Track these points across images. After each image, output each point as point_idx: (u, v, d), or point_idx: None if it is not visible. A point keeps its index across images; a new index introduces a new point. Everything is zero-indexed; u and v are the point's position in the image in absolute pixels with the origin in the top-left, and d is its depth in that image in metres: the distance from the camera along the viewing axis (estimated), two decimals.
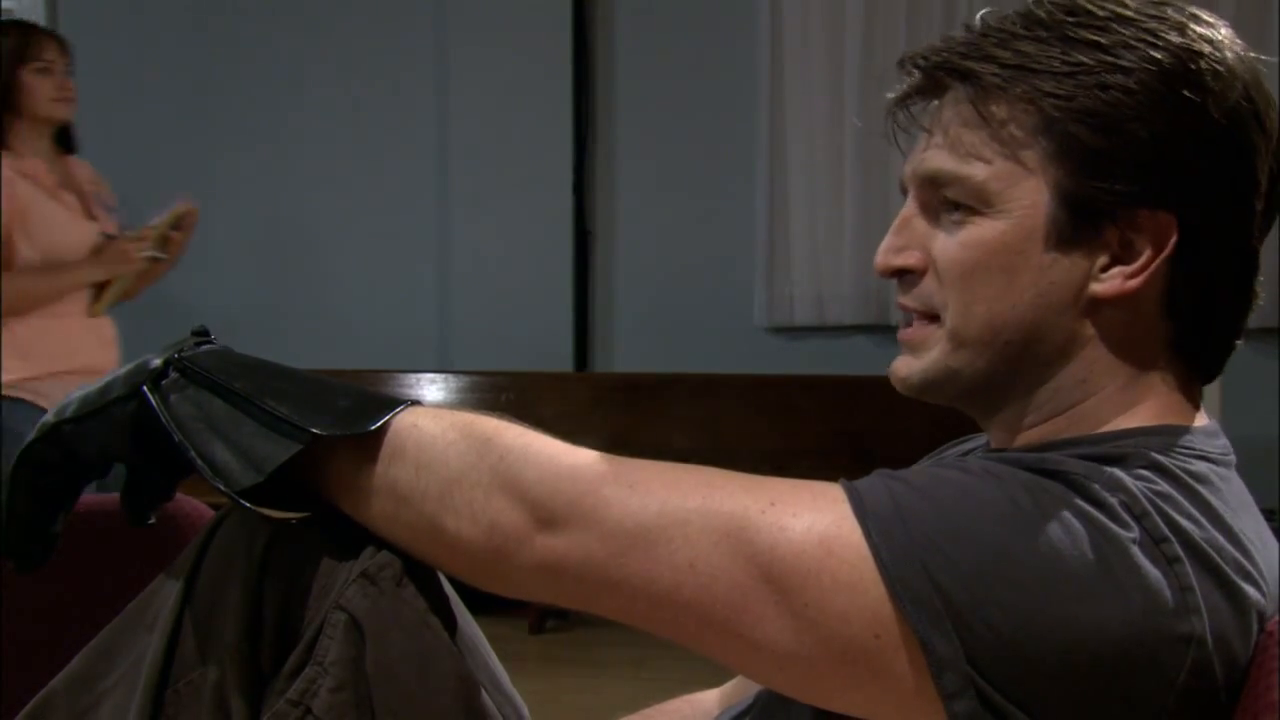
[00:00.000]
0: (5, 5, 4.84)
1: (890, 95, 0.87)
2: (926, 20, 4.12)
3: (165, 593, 0.89)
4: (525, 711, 0.99)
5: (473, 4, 4.55)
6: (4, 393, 2.67)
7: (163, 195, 4.73)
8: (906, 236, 0.86)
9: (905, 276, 0.86)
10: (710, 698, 1.14)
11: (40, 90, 2.78)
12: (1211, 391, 3.87)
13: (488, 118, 4.53)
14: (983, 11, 0.85)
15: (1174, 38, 0.79)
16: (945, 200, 0.83)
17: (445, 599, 0.89)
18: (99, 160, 4.81)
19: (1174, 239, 0.80)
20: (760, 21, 4.26)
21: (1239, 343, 0.86)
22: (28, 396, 2.71)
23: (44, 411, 2.76)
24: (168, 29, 4.75)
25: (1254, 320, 3.29)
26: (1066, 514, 0.73)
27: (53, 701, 0.90)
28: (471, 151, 4.55)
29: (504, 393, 4.31)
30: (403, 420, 0.85)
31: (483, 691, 0.88)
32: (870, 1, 4.16)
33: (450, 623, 0.87)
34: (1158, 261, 0.80)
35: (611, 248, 4.51)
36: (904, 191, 0.88)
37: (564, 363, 4.49)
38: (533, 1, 4.49)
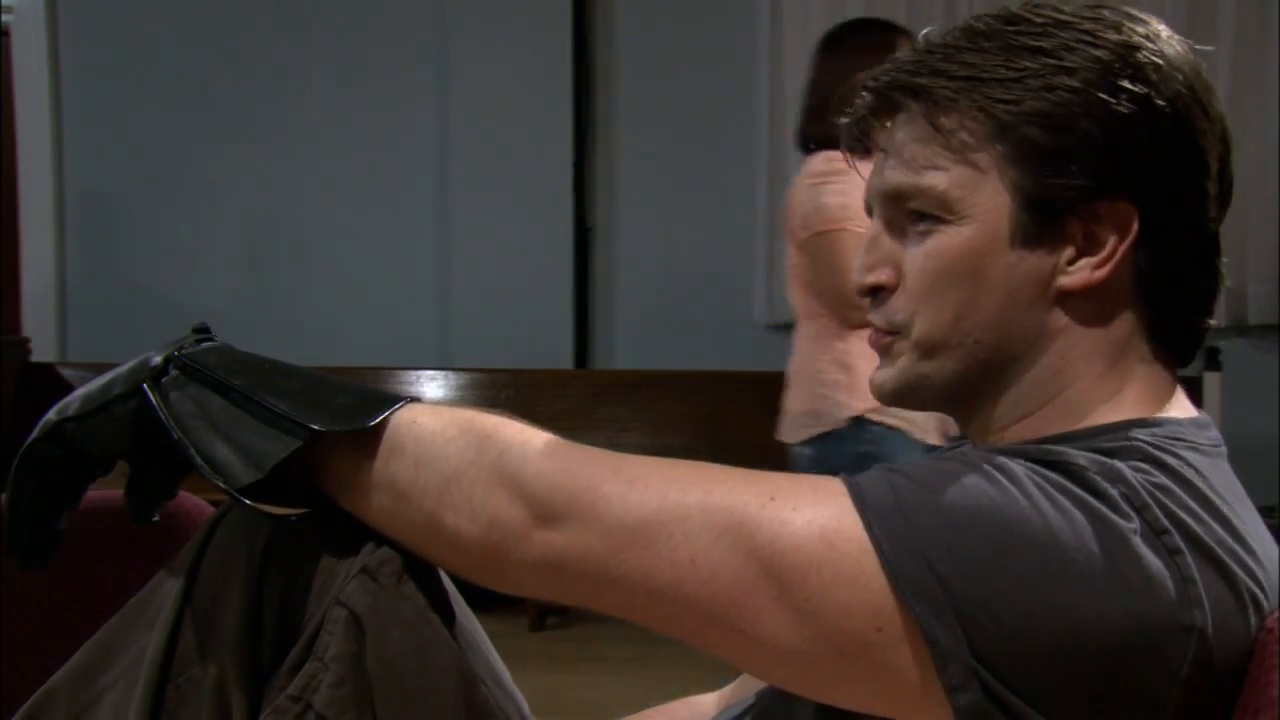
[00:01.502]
0: (5, 3, 4.85)
1: (843, 120, 0.89)
2: (927, 20, 4.10)
3: (166, 589, 0.89)
4: (525, 708, 0.99)
5: (473, 3, 4.55)
6: (877, 419, 2.37)
7: (162, 193, 4.76)
8: (876, 255, 0.87)
9: (878, 294, 0.87)
10: (708, 701, 1.14)
11: None
12: (1212, 388, 3.85)
13: (488, 116, 4.54)
14: (925, 30, 0.88)
15: (1112, 35, 0.82)
16: (910, 213, 0.85)
17: (445, 595, 0.89)
18: (99, 159, 4.82)
19: (1135, 226, 0.82)
20: (760, 21, 4.26)
21: (1211, 322, 0.88)
22: (902, 425, 2.40)
23: (923, 444, 2.39)
24: (166, 28, 4.75)
25: (1254, 316, 3.31)
26: (1068, 504, 0.73)
27: (54, 697, 0.90)
28: (472, 149, 4.55)
29: (504, 390, 4.31)
30: (402, 417, 0.85)
31: (483, 687, 0.89)
32: (870, 2, 4.16)
33: (450, 618, 0.88)
34: (1122, 249, 0.82)
35: (611, 245, 4.51)
36: (869, 211, 0.90)
37: (564, 360, 4.49)
38: (533, 1, 4.49)
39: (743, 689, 1.08)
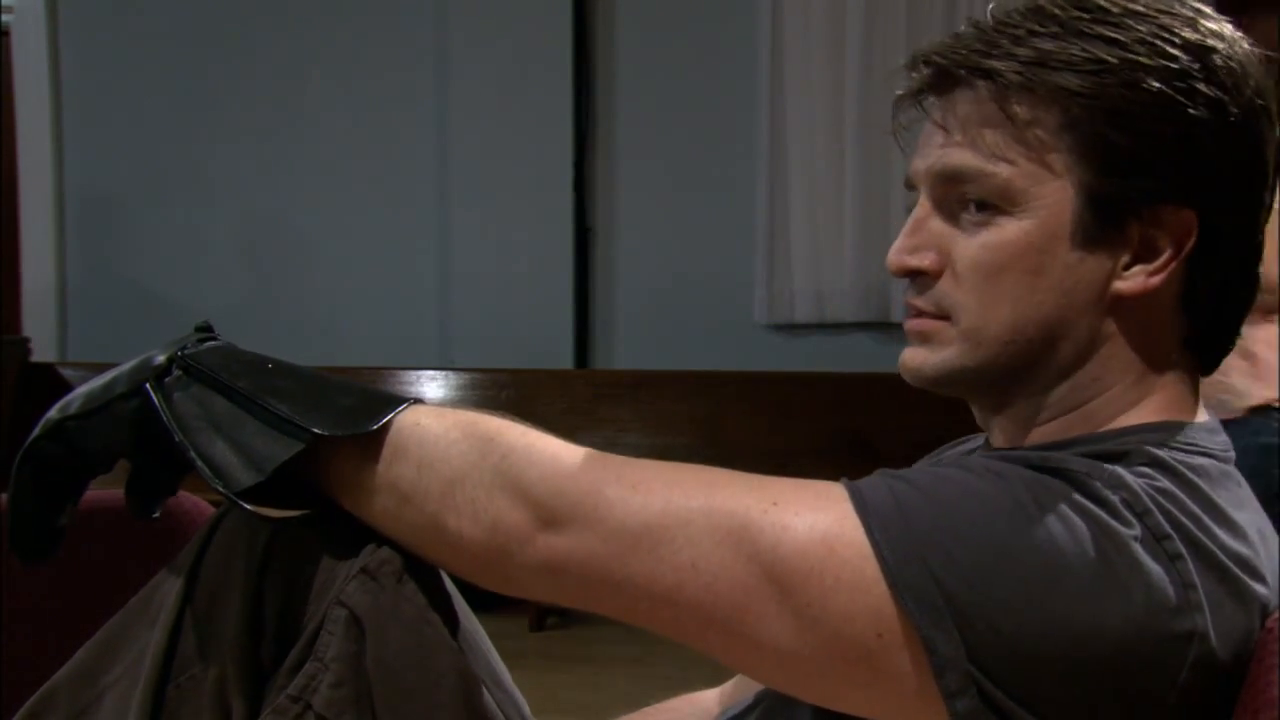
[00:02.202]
0: (5, 3, 4.85)
1: (900, 91, 0.86)
2: (926, 20, 4.12)
3: (167, 588, 0.89)
4: (526, 708, 0.99)
5: (473, 3, 4.55)
6: None
7: (162, 193, 4.76)
8: (921, 236, 0.84)
9: (919, 278, 0.85)
10: (710, 697, 1.14)
11: None
12: None
13: (488, 116, 4.53)
14: (991, 5, 0.85)
15: (1189, 34, 0.80)
16: (963, 198, 0.82)
17: (446, 595, 0.89)
18: (99, 159, 4.82)
19: (1194, 236, 0.80)
20: (760, 21, 4.26)
21: (1242, 334, 0.86)
22: None
23: None
24: (166, 27, 4.75)
25: None
26: (1068, 511, 0.73)
27: (55, 696, 0.90)
28: (472, 149, 4.55)
29: (504, 390, 4.31)
30: (405, 419, 0.85)
31: (483, 688, 0.89)
32: (870, 1, 4.16)
33: (451, 619, 0.88)
34: (1179, 259, 0.80)
35: (612, 245, 4.51)
36: (910, 187, 0.86)
37: (564, 360, 4.49)
38: (533, 1, 4.49)
39: (744, 685, 1.08)
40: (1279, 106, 0.83)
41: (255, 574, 0.86)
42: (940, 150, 0.83)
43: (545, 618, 4.00)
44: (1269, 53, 0.84)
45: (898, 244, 0.85)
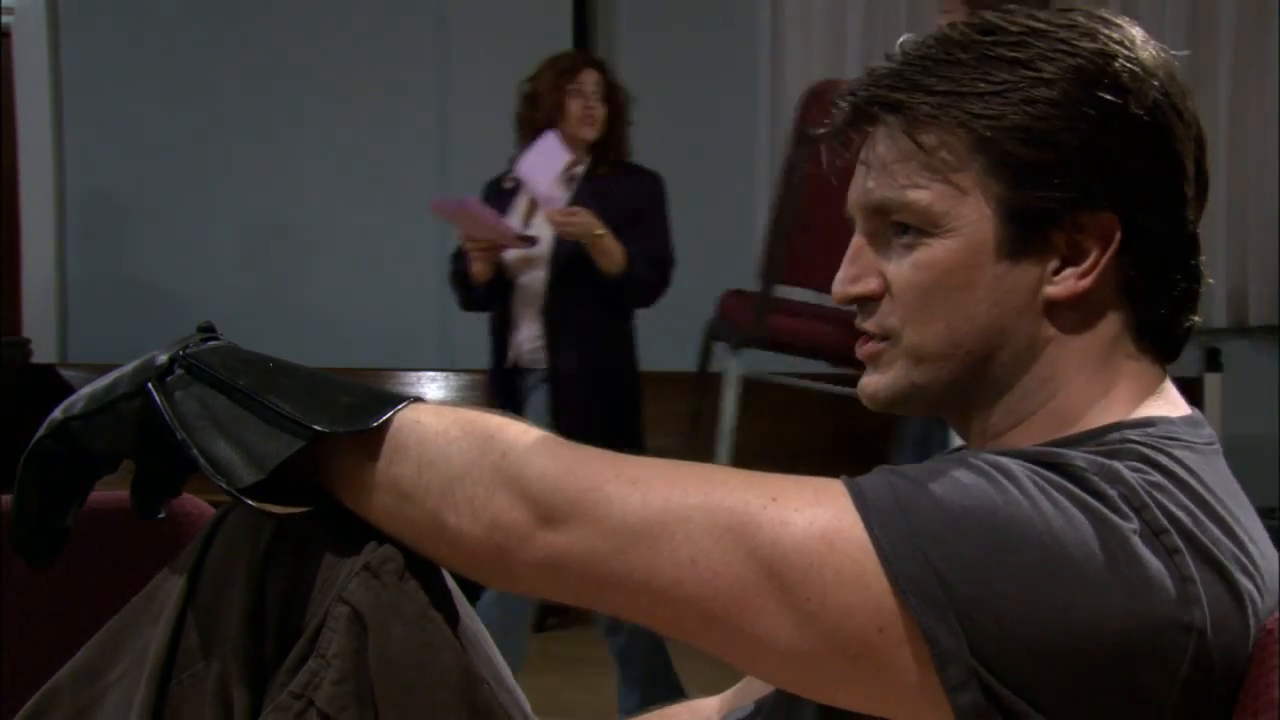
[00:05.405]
0: (5, 4, 4.85)
1: (821, 131, 0.90)
2: (926, 20, 4.12)
3: (169, 586, 0.89)
4: (527, 706, 0.99)
5: (473, 4, 4.56)
6: None
7: (163, 193, 4.77)
8: (861, 265, 0.88)
9: (865, 303, 0.88)
10: (710, 704, 1.14)
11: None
12: (1212, 389, 3.84)
13: (489, 116, 4.53)
14: (901, 39, 0.88)
15: (1087, 44, 0.83)
16: (893, 225, 0.86)
17: (447, 593, 0.89)
18: (99, 159, 4.83)
19: (1118, 235, 0.82)
20: (760, 21, 4.27)
21: (1196, 319, 0.88)
22: None
23: None
24: (167, 28, 4.75)
25: (1254, 317, 3.30)
26: (1068, 505, 0.74)
27: (58, 694, 0.90)
28: (472, 150, 4.55)
29: None
30: (405, 417, 0.85)
31: (485, 686, 0.89)
32: (870, 1, 4.16)
33: (452, 616, 0.88)
34: (1105, 258, 0.83)
35: None
36: (850, 223, 0.90)
37: None
38: (533, 2, 4.50)
39: (744, 693, 1.08)
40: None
41: (258, 571, 0.87)
42: (865, 186, 0.87)
43: (546, 618, 4.00)
44: (1176, 52, 0.86)
45: (840, 274, 0.89)
